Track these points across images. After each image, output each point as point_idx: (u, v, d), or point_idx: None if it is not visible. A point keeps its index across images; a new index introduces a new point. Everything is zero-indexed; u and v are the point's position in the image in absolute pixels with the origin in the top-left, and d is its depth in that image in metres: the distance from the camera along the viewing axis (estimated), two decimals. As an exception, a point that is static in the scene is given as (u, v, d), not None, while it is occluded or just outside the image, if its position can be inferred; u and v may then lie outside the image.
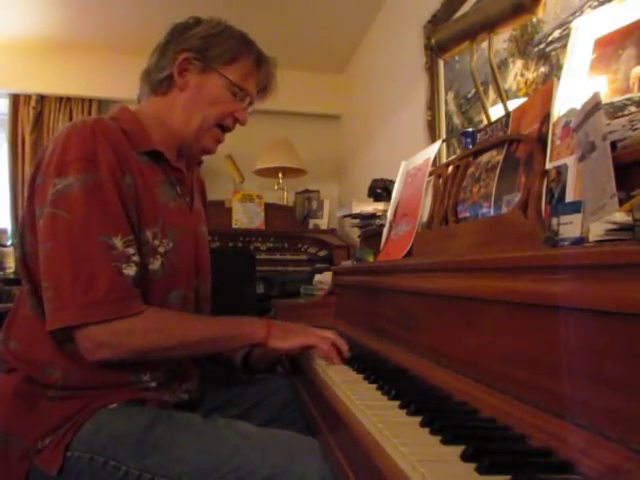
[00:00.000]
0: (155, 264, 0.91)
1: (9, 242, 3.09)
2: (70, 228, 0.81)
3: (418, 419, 0.58)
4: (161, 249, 0.92)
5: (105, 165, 0.84)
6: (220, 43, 1.00)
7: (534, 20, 1.45)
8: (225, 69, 1.00)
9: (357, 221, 2.07)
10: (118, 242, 0.83)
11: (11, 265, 2.88)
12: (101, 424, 0.82)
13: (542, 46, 1.50)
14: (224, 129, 1.05)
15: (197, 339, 0.89)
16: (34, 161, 0.92)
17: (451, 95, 2.14)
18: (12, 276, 2.78)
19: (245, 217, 3.37)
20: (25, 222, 0.90)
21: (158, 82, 1.01)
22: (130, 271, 0.83)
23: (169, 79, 1.00)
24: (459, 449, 0.48)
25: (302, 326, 0.99)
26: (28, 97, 3.49)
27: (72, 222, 0.81)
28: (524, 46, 1.60)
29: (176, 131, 1.00)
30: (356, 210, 2.01)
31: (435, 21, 2.19)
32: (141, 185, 0.90)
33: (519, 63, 1.63)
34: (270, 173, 3.56)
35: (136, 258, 0.85)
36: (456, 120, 2.09)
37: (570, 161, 0.71)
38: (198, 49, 0.99)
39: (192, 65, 0.99)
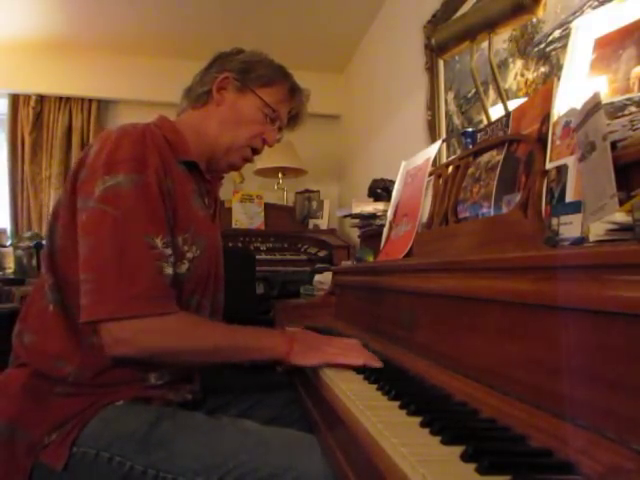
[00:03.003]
0: (182, 268, 0.93)
1: (9, 242, 3.09)
2: (117, 224, 0.83)
3: (418, 419, 0.58)
4: (189, 255, 0.95)
5: (152, 168, 0.88)
6: (259, 68, 1.07)
7: (534, 20, 1.45)
8: (261, 91, 1.06)
9: (357, 221, 2.07)
10: (159, 242, 0.86)
11: (11, 265, 2.88)
12: (107, 420, 0.83)
13: (542, 46, 1.51)
14: (253, 150, 1.11)
15: (214, 347, 0.88)
16: (78, 159, 0.94)
17: (451, 95, 2.14)
18: (12, 276, 2.78)
19: (245, 217, 3.37)
20: (58, 215, 0.93)
21: (197, 96, 1.07)
22: (169, 271, 0.87)
23: (207, 94, 1.06)
24: (459, 449, 0.48)
25: (325, 339, 0.96)
26: (28, 97, 3.49)
27: (119, 219, 0.83)
28: (524, 46, 1.60)
29: (209, 143, 1.05)
30: (356, 210, 2.01)
31: (435, 21, 2.19)
32: (179, 191, 0.94)
33: (519, 63, 1.63)
34: (270, 173, 3.57)
35: (172, 259, 0.88)
36: (456, 120, 2.09)
37: (570, 161, 0.71)
38: (238, 71, 1.06)
39: (231, 84, 1.06)
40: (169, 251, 0.87)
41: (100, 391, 0.87)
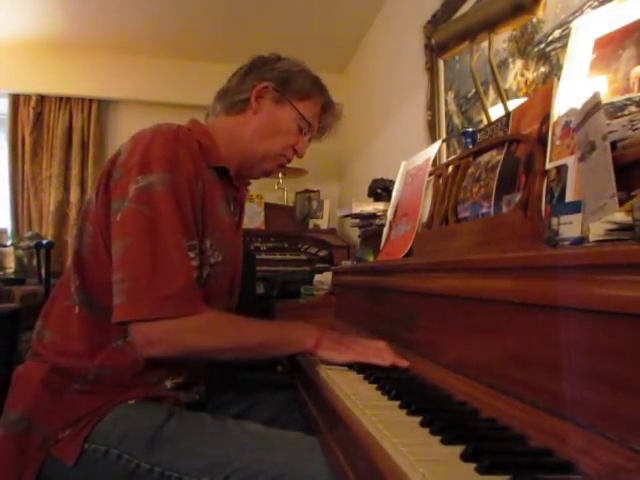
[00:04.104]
0: (204, 272, 0.94)
1: (9, 242, 3.09)
2: (151, 224, 0.84)
3: (418, 419, 0.58)
4: (212, 260, 0.95)
5: (184, 169, 0.88)
6: (298, 80, 1.08)
7: (534, 20, 1.45)
8: (298, 104, 1.07)
9: (357, 221, 2.07)
10: (188, 244, 0.86)
11: (11, 265, 2.88)
12: (118, 418, 0.84)
13: (542, 46, 1.50)
14: (286, 158, 1.12)
15: (249, 343, 0.90)
16: (110, 158, 0.94)
17: (451, 95, 2.14)
18: (12, 276, 2.78)
19: (245, 217, 3.37)
20: (89, 215, 0.93)
21: (234, 103, 1.07)
22: (197, 272, 0.88)
23: (245, 102, 1.06)
24: (459, 449, 0.48)
25: (352, 337, 0.96)
26: (28, 97, 3.49)
27: (154, 219, 0.84)
28: (524, 46, 1.60)
29: (242, 149, 1.06)
30: (356, 210, 2.01)
31: (435, 21, 2.19)
32: (208, 196, 0.94)
33: (519, 63, 1.63)
34: (270, 173, 3.56)
35: (196, 263, 0.88)
36: (456, 120, 2.09)
37: (570, 161, 0.72)
38: (278, 81, 1.06)
39: (270, 94, 1.06)
40: (193, 254, 0.88)
41: (115, 390, 0.88)
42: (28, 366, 0.92)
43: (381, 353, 0.87)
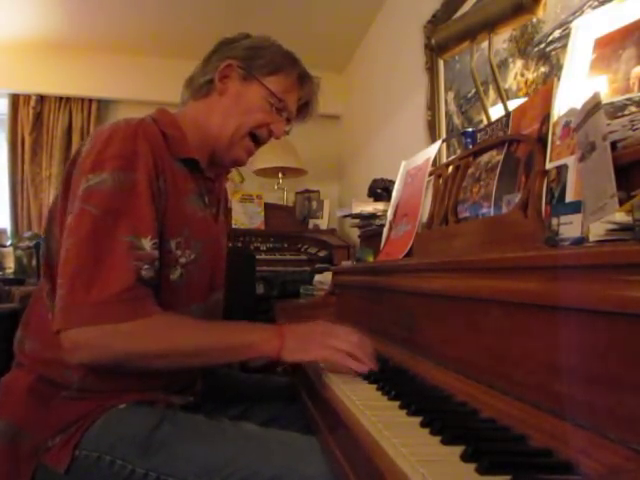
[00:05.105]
0: (175, 274, 0.89)
1: (9, 242, 3.09)
2: (95, 224, 0.79)
3: (418, 419, 0.58)
4: (182, 260, 0.90)
5: (143, 166, 0.83)
6: (265, 55, 1.01)
7: (534, 20, 1.45)
8: (266, 79, 1.00)
9: (357, 221, 2.07)
10: (147, 243, 0.81)
11: (11, 265, 2.88)
12: (109, 423, 0.82)
13: (542, 46, 1.50)
14: (257, 141, 1.04)
15: (187, 349, 0.82)
16: (70, 157, 0.90)
17: (451, 95, 2.14)
18: (12, 276, 2.78)
19: (245, 217, 3.38)
20: (53, 218, 0.90)
21: (199, 86, 1.01)
22: (150, 273, 0.82)
23: (210, 84, 1.00)
24: (459, 449, 0.48)
25: (323, 328, 0.86)
26: (28, 97, 3.49)
27: (98, 218, 0.79)
28: (524, 46, 1.60)
29: (211, 136, 1.00)
30: (356, 210, 2.01)
31: (435, 21, 2.19)
32: (172, 192, 0.89)
33: (519, 63, 1.63)
34: (270, 173, 3.56)
35: (157, 264, 0.84)
36: (456, 120, 2.09)
37: (570, 161, 0.71)
38: (242, 58, 1.00)
39: (234, 72, 0.99)
40: (157, 253, 0.83)
41: (105, 395, 0.85)
42: (14, 375, 0.89)
43: (359, 352, 0.82)
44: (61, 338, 0.78)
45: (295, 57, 1.05)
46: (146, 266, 0.81)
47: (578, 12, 1.32)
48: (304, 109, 1.10)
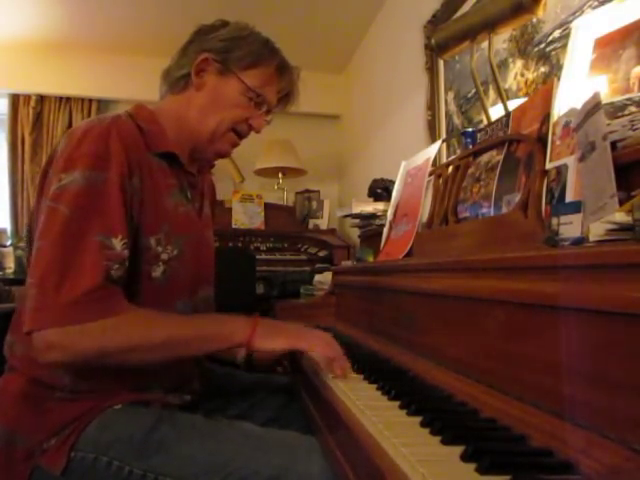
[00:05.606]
0: (157, 271, 0.89)
1: (9, 242, 3.09)
2: (66, 223, 0.78)
3: (418, 419, 0.58)
4: (164, 256, 0.90)
5: (115, 165, 0.82)
6: (242, 47, 0.98)
7: (534, 20, 1.45)
8: (244, 74, 0.98)
9: (357, 221, 2.07)
10: (117, 243, 0.81)
11: (11, 265, 2.88)
12: (106, 424, 0.81)
13: (542, 46, 1.50)
14: (239, 135, 1.03)
15: (159, 341, 0.81)
16: (46, 159, 0.89)
17: (451, 95, 2.14)
18: (12, 276, 2.78)
19: (245, 217, 3.38)
20: (33, 219, 0.89)
21: (176, 80, 1.00)
22: (120, 272, 0.81)
23: (186, 78, 0.98)
24: (459, 449, 0.48)
25: (296, 326, 0.91)
26: (28, 97, 3.49)
27: (69, 217, 0.78)
28: (524, 46, 1.60)
29: (190, 131, 0.98)
30: (356, 210, 2.01)
31: (435, 21, 2.19)
32: (149, 189, 0.88)
33: (519, 63, 1.63)
34: (270, 173, 3.57)
35: (127, 263, 0.83)
36: (456, 120, 2.09)
37: (570, 161, 0.71)
38: (219, 50, 0.98)
39: (211, 66, 0.97)
40: (127, 253, 0.82)
41: (99, 396, 0.85)
42: (6, 379, 0.88)
43: (320, 342, 0.84)
44: (33, 339, 0.77)
45: (274, 47, 1.03)
46: (116, 266, 0.80)
47: (578, 12, 1.32)
48: (284, 99, 1.08)
